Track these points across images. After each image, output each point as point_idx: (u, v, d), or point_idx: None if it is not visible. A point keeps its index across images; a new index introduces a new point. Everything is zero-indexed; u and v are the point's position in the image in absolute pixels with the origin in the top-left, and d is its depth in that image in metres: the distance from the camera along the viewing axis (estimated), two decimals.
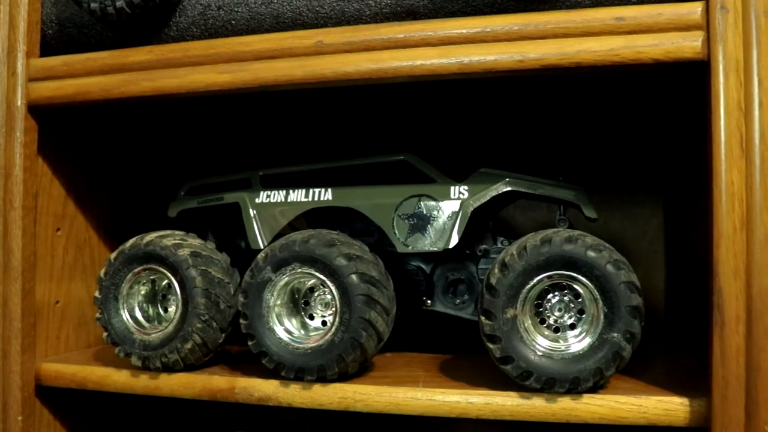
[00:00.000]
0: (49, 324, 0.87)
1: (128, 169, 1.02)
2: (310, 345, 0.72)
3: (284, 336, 0.73)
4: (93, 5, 0.75)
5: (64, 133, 0.88)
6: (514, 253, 0.68)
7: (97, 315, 0.80)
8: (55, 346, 0.88)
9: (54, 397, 0.85)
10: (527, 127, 1.10)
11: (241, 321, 0.74)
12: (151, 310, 0.81)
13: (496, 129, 1.11)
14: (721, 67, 0.62)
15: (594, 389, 0.66)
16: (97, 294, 0.80)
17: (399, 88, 0.74)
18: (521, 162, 1.06)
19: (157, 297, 0.82)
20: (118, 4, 0.74)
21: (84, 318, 0.92)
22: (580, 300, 0.68)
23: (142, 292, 0.81)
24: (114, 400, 0.92)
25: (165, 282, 0.81)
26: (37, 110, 0.82)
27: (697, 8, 0.64)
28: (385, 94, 0.90)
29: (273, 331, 0.73)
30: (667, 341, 0.97)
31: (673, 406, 0.65)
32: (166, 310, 0.82)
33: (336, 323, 0.71)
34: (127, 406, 0.99)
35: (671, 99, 0.92)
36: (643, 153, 1.08)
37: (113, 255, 0.79)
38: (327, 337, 0.71)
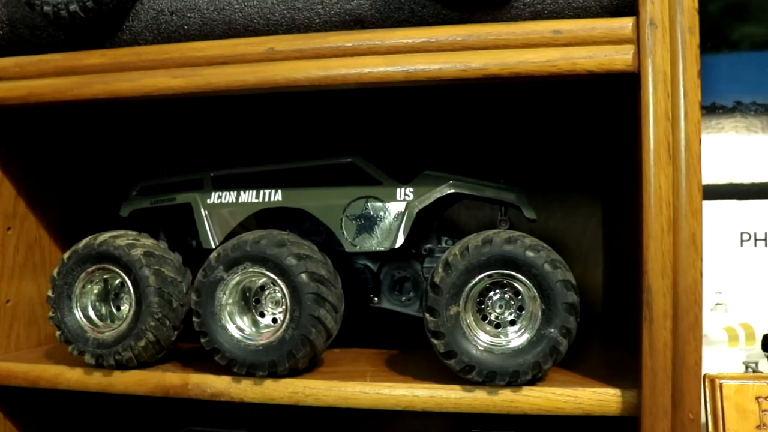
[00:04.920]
0: None
1: (79, 169, 1.03)
2: (261, 342, 0.74)
3: (236, 333, 0.75)
4: (46, 8, 0.75)
5: (14, 132, 0.88)
6: (457, 253, 0.71)
7: (50, 314, 0.80)
8: (6, 346, 0.88)
9: (3, 396, 0.86)
10: (471, 131, 1.13)
11: (194, 319, 0.75)
12: (103, 309, 0.82)
13: (440, 132, 1.14)
14: (650, 79, 0.66)
15: (533, 382, 0.70)
16: (50, 293, 0.80)
17: (346, 93, 0.76)
18: (465, 164, 1.09)
19: (109, 296, 0.82)
20: (72, 7, 0.75)
21: (34, 317, 0.93)
22: (519, 297, 0.72)
23: (95, 291, 0.81)
24: (65, 399, 0.93)
25: (118, 281, 0.82)
26: None
27: (629, 23, 0.67)
28: (333, 98, 0.93)
29: (225, 328, 0.75)
30: (605, 335, 1.01)
31: (606, 396, 0.68)
32: (118, 309, 0.83)
33: (286, 321, 0.73)
34: (78, 405, 1.00)
35: (608, 105, 0.96)
36: (583, 155, 1.12)
37: (66, 255, 0.80)
38: (278, 334, 0.73)
